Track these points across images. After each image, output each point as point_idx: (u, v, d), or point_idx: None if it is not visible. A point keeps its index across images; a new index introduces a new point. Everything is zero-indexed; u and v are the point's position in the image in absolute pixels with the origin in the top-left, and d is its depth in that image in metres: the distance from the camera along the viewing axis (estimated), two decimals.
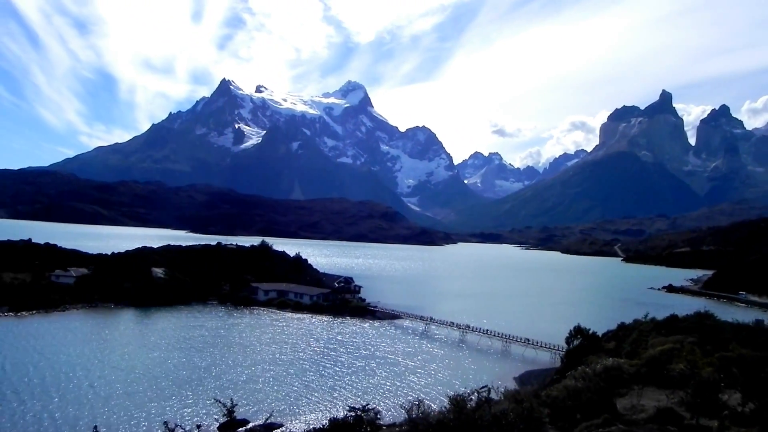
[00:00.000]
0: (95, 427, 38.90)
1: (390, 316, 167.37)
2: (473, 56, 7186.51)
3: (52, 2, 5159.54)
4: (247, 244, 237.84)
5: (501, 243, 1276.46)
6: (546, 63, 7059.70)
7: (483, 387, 31.56)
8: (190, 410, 77.61)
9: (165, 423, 35.49)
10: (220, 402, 38.53)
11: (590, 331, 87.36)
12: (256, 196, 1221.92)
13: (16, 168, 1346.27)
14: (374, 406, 49.99)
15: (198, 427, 48.61)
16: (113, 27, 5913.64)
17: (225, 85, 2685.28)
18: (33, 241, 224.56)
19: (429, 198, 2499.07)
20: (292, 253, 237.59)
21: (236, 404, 37.36)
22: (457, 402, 29.55)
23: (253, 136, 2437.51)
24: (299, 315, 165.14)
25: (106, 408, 76.78)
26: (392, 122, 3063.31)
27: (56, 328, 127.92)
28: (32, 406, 76.01)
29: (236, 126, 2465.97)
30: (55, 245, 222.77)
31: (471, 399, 29.93)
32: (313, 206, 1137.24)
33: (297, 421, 74.59)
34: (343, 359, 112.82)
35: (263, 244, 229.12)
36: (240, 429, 65.75)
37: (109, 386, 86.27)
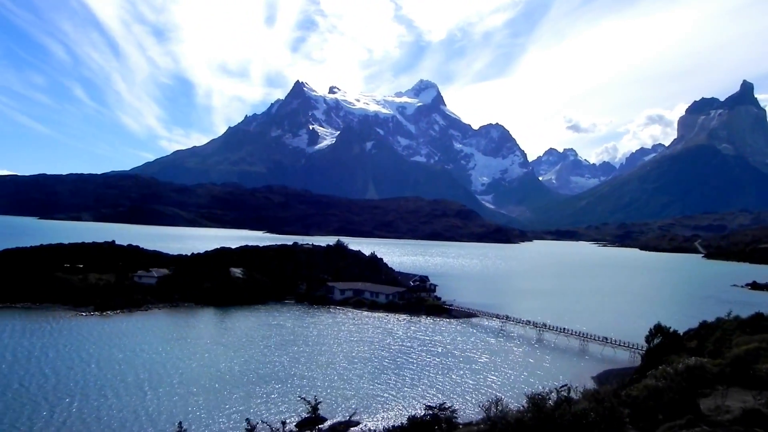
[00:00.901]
0: (179, 423, 39.85)
1: (466, 314, 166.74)
2: (546, 51, 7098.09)
3: (131, 11, 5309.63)
4: (322, 244, 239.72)
5: (577, 240, 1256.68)
6: (620, 56, 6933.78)
7: (563, 386, 31.27)
8: (270, 407, 78.95)
9: (247, 419, 36.23)
10: (305, 399, 39.00)
11: (671, 330, 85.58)
12: (331, 196, 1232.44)
13: (99, 173, 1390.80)
14: (451, 404, 50.14)
15: (283, 423, 49.37)
16: (189, 33, 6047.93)
17: (299, 87, 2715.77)
18: (116, 242, 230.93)
19: (503, 195, 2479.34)
20: (367, 252, 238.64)
21: (320, 402, 37.71)
22: (536, 401, 29.35)
23: (327, 136, 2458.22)
24: (375, 314, 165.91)
25: (190, 405, 78.83)
26: (465, 120, 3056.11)
27: (140, 327, 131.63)
28: (127, 402, 78.80)
29: (310, 127, 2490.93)
30: (137, 247, 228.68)
31: (550, 398, 29.70)
32: (388, 205, 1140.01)
33: (375, 418, 74.98)
34: (419, 357, 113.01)
35: (339, 244, 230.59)
36: (319, 426, 66.37)
37: (193, 383, 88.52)
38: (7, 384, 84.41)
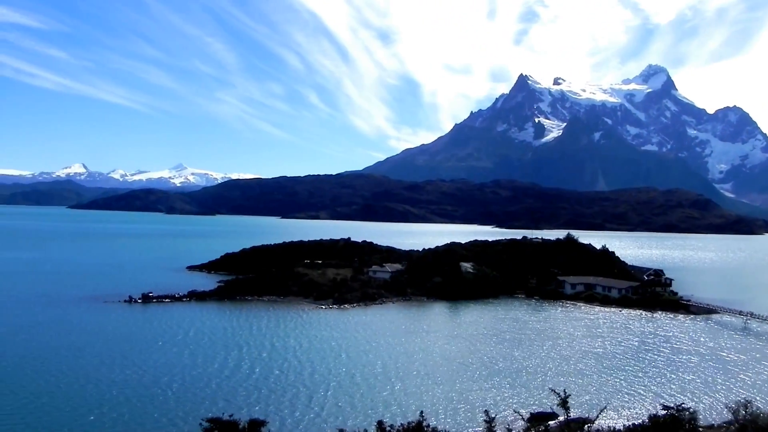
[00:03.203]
0: (421, 412, 41.85)
1: (705, 310, 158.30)
2: None
3: (357, 18, 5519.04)
4: (552, 238, 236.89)
5: None
6: None
7: None
8: (505, 399, 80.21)
9: (485, 411, 37.33)
10: (554, 391, 39.28)
11: None
12: (559, 189, 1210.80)
13: (334, 173, 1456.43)
14: (690, 405, 48.41)
15: (521, 416, 49.94)
16: (413, 34, 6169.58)
17: (523, 80, 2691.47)
18: (352, 239, 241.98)
19: (744, 183, 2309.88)
20: (598, 245, 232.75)
21: (569, 395, 37.90)
22: None
23: (554, 129, 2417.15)
24: (608, 308, 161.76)
25: (431, 394, 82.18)
26: (699, 104, 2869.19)
27: (378, 320, 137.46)
28: (377, 390, 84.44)
29: (536, 120, 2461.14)
30: (371, 243, 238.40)
31: None
32: (618, 197, 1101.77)
33: (612, 415, 73.46)
34: (658, 354, 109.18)
35: (568, 237, 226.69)
36: (550, 423, 65.97)
37: (432, 374, 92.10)
38: (269, 370, 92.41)
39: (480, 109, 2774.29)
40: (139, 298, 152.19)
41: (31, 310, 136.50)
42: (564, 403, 37.81)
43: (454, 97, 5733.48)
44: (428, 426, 39.79)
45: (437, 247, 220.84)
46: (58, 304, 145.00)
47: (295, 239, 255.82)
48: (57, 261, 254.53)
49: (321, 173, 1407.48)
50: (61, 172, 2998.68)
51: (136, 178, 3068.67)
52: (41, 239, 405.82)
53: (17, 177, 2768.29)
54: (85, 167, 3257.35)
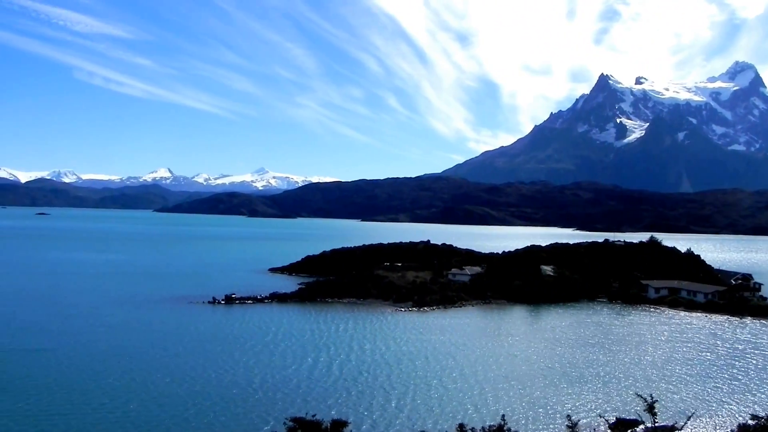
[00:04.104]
0: (503, 415, 41.86)
1: None
2: None
3: (435, 20, 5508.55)
4: (634, 241, 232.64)
5: None
6: None
7: None
8: (588, 405, 79.20)
9: (567, 416, 37.13)
10: (640, 396, 38.69)
11: None
12: (642, 191, 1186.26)
13: (413, 176, 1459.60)
14: None
15: (606, 421, 49.45)
16: (491, 36, 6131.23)
17: (603, 80, 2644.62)
18: (431, 242, 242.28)
19: None
20: (682, 248, 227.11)
21: (656, 400, 37.28)
22: None
23: (636, 129, 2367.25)
24: (693, 314, 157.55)
25: (512, 398, 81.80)
26: None
27: (458, 323, 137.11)
28: (456, 393, 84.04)
29: (617, 120, 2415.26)
30: (451, 246, 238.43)
31: None
32: (704, 199, 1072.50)
33: (699, 423, 71.68)
34: (746, 362, 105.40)
35: (652, 240, 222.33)
36: (636, 429, 64.91)
37: (513, 377, 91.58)
38: (352, 372, 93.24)
39: (560, 110, 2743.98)
40: (222, 299, 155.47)
41: (121, 310, 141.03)
42: (651, 409, 37.20)
43: (534, 98, 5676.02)
44: (509, 430, 39.73)
45: (517, 249, 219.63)
46: (146, 304, 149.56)
47: (375, 242, 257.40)
48: (144, 263, 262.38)
49: (400, 176, 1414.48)
50: (148, 177, 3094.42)
51: (219, 182, 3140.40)
52: (130, 242, 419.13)
53: (106, 182, 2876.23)
54: (170, 172, 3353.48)
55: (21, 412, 72.02)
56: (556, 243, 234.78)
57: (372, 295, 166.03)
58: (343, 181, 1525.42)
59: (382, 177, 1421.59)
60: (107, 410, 73.59)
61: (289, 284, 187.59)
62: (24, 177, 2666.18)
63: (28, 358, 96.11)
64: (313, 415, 41.22)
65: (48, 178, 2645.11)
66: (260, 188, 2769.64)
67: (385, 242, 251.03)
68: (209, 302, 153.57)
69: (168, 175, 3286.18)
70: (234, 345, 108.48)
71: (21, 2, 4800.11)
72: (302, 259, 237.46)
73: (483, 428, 39.27)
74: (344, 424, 41.21)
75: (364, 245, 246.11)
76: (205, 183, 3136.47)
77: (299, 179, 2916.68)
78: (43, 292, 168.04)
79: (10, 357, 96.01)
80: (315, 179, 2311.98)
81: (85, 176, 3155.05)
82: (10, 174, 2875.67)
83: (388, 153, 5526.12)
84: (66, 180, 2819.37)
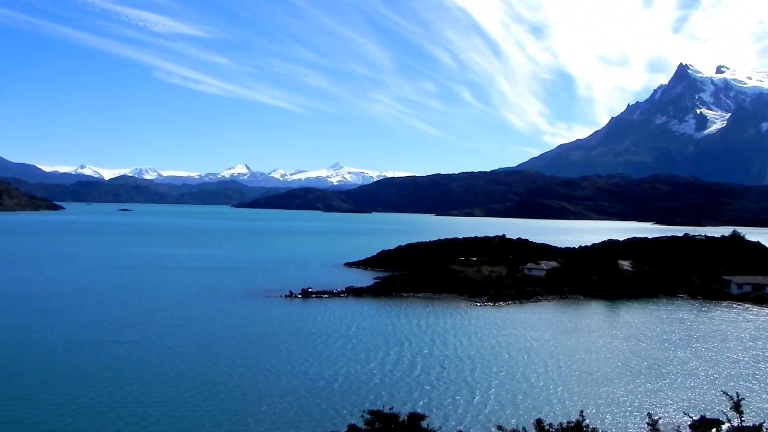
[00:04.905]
0: (581, 411, 41.75)
1: None
2: None
3: (509, 13, 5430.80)
4: (716, 235, 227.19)
5: None
6: None
7: None
8: (668, 403, 78.41)
9: (648, 414, 36.97)
10: (726, 394, 38.03)
11: None
12: (724, 184, 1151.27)
13: (488, 170, 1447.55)
14: None
15: (690, 417, 49.01)
16: (566, 27, 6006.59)
17: (682, 69, 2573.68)
18: (506, 236, 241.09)
19: None
20: (767, 243, 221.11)
21: (742, 398, 36.59)
22: None
23: (717, 120, 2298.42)
24: None
25: (591, 394, 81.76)
26: None
27: (535, 318, 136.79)
28: (540, 388, 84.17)
29: (697, 111, 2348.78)
30: (526, 240, 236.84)
31: None
32: None
33: None
34: None
35: (734, 234, 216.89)
36: (722, 427, 63.71)
37: (593, 373, 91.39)
38: (431, 366, 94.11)
39: (637, 102, 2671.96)
40: (299, 293, 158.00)
41: (201, 303, 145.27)
42: (737, 407, 36.59)
43: (610, 89, 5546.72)
44: (587, 426, 39.77)
45: (594, 244, 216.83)
46: (224, 298, 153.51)
47: (450, 236, 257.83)
48: (223, 257, 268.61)
49: (475, 170, 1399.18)
50: (226, 173, 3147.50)
51: (295, 177, 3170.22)
52: (209, 236, 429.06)
53: (186, 178, 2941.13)
54: (247, 168, 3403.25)
55: (106, 402, 74.81)
56: (634, 237, 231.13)
57: (447, 289, 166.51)
58: (417, 175, 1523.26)
59: (456, 171, 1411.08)
60: (194, 403, 75.97)
61: (364, 278, 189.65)
62: (107, 174, 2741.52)
63: (116, 349, 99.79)
64: (390, 408, 42.05)
65: (130, 175, 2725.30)
66: (335, 183, 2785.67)
67: (460, 237, 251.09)
68: (286, 296, 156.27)
69: (245, 171, 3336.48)
70: (315, 338, 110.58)
71: (102, 5, 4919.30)
72: (377, 253, 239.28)
73: (561, 424, 39.41)
74: (421, 417, 41.94)
75: (438, 240, 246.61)
76: (281, 178, 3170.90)
77: (374, 174, 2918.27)
78: (127, 285, 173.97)
79: (97, 349, 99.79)
80: (390, 174, 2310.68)
81: (165, 173, 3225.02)
82: (95, 172, 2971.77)
83: (463, 147, 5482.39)
84: (147, 177, 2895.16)
